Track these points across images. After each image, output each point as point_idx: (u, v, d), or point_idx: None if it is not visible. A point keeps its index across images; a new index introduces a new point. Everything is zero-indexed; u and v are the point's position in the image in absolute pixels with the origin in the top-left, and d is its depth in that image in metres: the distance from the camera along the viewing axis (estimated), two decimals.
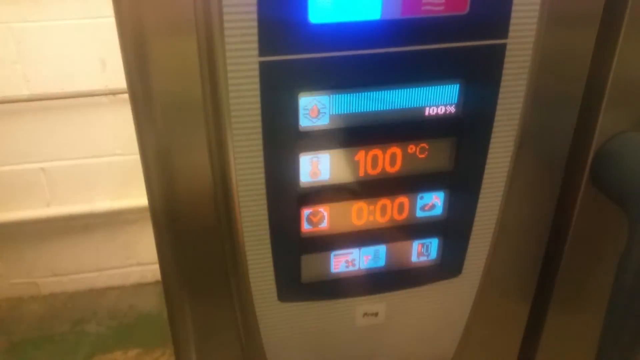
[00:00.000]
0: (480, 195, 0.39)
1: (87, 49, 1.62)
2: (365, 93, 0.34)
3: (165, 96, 0.33)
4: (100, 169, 1.85)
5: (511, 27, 0.33)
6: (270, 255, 0.38)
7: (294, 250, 0.38)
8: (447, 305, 0.44)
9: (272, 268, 0.38)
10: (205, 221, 0.38)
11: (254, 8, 0.29)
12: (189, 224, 0.38)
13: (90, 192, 1.91)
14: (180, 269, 0.40)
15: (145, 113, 0.34)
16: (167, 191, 0.36)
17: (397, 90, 0.34)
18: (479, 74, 0.35)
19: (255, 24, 0.30)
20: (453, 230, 0.40)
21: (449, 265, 0.42)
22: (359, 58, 0.32)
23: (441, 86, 0.35)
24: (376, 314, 0.43)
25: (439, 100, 0.35)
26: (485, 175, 0.38)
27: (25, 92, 1.72)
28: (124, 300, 2.09)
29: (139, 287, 2.07)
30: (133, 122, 0.34)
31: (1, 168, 1.84)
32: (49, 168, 1.88)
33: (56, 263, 2.06)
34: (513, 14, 0.32)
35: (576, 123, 0.40)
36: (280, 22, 0.30)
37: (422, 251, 0.41)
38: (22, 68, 1.69)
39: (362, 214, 0.38)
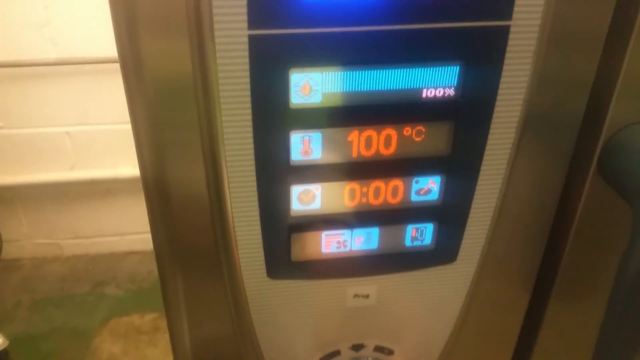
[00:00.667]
0: (478, 182, 0.38)
1: None
2: (360, 72, 0.33)
3: (156, 69, 0.32)
4: (125, 136, 1.88)
5: (515, 8, 0.31)
6: (259, 232, 0.38)
7: (283, 229, 0.38)
8: (441, 291, 0.43)
9: (261, 245, 0.38)
10: (196, 197, 0.37)
11: None
12: (180, 200, 0.38)
13: (113, 157, 1.95)
14: (171, 242, 0.40)
15: (136, 85, 0.33)
16: (158, 166, 0.36)
17: (393, 70, 0.33)
18: (480, 57, 0.33)
19: None
20: (449, 216, 0.39)
21: (443, 251, 0.41)
22: (353, 35, 0.31)
23: (440, 67, 0.33)
24: (367, 296, 0.42)
25: (437, 82, 0.34)
26: (484, 162, 0.37)
27: (52, 56, 1.74)
28: (143, 266, 2.15)
29: None
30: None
31: (27, 130, 1.89)
32: (74, 132, 1.92)
33: (79, 226, 2.12)
34: None
35: (585, 112, 0.38)
36: None
37: (417, 236, 0.40)
38: (49, 31, 1.71)
39: (354, 195, 0.38)
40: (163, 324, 1.90)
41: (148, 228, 0.39)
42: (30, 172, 1.95)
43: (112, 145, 1.93)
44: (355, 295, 0.42)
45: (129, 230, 2.16)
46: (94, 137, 1.93)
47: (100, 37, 1.64)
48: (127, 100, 0.35)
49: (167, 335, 0.47)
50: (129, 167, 1.96)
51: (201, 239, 0.39)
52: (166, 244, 0.40)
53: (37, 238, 2.13)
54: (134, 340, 1.82)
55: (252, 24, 0.30)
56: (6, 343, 1.65)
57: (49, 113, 1.87)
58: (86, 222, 2.13)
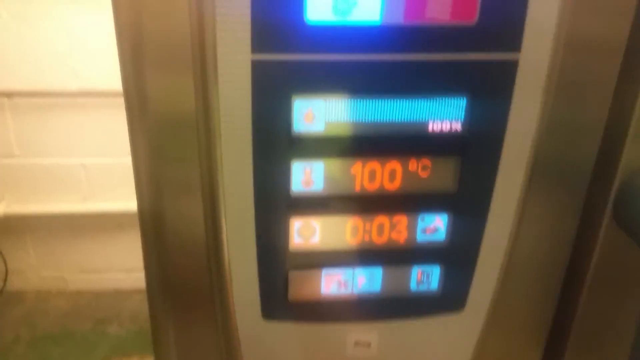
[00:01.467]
0: (487, 223, 0.36)
1: None
2: (364, 101, 0.32)
3: (158, 102, 0.32)
4: None
5: (524, 41, 0.31)
6: (255, 267, 0.36)
7: (281, 264, 0.36)
8: (448, 342, 0.41)
9: (257, 282, 0.36)
10: (192, 231, 0.36)
11: (248, 2, 0.28)
12: (176, 234, 0.36)
13: (127, 191, 1.94)
14: (164, 278, 0.38)
15: (139, 118, 0.33)
16: (155, 200, 0.35)
17: (398, 101, 0.32)
18: (488, 90, 0.32)
19: (248, 19, 0.29)
20: (456, 258, 0.37)
21: (451, 297, 0.39)
22: (358, 63, 0.30)
23: (446, 100, 0.32)
24: (369, 345, 0.40)
25: (443, 115, 0.33)
26: (493, 201, 0.35)
27: (73, 86, 1.78)
28: (147, 305, 2.10)
29: None
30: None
31: (43, 160, 1.90)
32: (89, 164, 1.93)
33: (86, 260, 2.10)
34: (526, 26, 0.30)
35: (598, 152, 0.37)
36: (275, 19, 0.29)
37: (422, 279, 0.38)
38: (72, 63, 1.75)
39: (357, 231, 0.36)
40: None
41: None
42: (42, 202, 1.95)
43: (126, 179, 1.93)
44: (357, 344, 0.40)
45: (136, 267, 2.13)
46: (109, 170, 1.95)
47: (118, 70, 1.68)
48: (129, 133, 0.34)
49: None
50: None
51: (195, 275, 0.38)
52: (159, 280, 0.38)
53: (43, 270, 2.11)
54: None
55: (255, 49, 0.29)
56: None
57: (66, 144, 1.89)
58: (94, 257, 2.11)
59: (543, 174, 0.36)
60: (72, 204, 1.98)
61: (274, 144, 0.32)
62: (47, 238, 2.08)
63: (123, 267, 2.14)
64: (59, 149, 1.93)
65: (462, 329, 0.40)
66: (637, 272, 0.39)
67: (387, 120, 0.33)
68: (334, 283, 0.37)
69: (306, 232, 0.35)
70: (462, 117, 0.33)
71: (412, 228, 0.36)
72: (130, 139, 0.35)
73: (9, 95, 1.81)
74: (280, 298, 0.37)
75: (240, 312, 0.37)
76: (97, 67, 1.77)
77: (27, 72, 1.78)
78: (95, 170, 1.97)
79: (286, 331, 0.38)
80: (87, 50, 1.75)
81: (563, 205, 0.38)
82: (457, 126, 0.33)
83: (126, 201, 1.98)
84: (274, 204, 0.34)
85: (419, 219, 0.36)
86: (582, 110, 0.35)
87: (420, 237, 0.36)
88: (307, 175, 0.33)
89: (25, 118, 1.88)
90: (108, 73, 1.75)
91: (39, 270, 2.12)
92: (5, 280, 2.08)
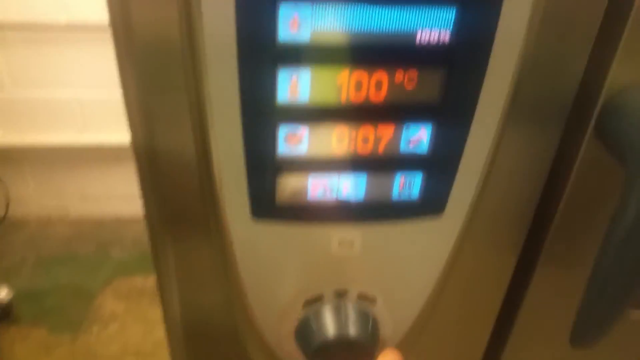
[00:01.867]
0: (470, 133, 0.37)
1: None
2: (351, 8, 0.32)
3: (144, 29, 0.32)
4: None
5: None
6: (244, 173, 0.38)
7: (269, 170, 0.38)
8: (426, 245, 0.43)
9: (246, 186, 0.38)
10: (182, 146, 0.38)
11: None
12: (167, 153, 0.38)
13: (122, 124, 1.95)
14: (159, 199, 0.40)
15: (125, 47, 0.34)
16: (146, 124, 0.37)
17: (385, 9, 0.32)
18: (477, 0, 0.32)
19: None
20: (438, 167, 0.39)
21: (431, 203, 0.41)
22: None
23: (435, 9, 0.32)
24: (352, 244, 0.42)
25: (432, 25, 0.33)
26: (477, 112, 0.36)
27: (63, 20, 1.73)
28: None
29: None
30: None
31: (38, 93, 1.90)
32: (84, 97, 1.93)
33: (86, 189, 2.15)
34: None
35: (585, 71, 0.37)
36: None
37: (404, 186, 0.40)
38: None
39: (342, 140, 0.37)
40: None
41: None
42: (39, 133, 1.97)
43: (122, 112, 1.93)
44: (340, 242, 0.42)
45: (136, 195, 2.18)
46: (104, 104, 1.94)
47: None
48: (117, 64, 0.35)
49: None
50: None
51: (188, 190, 0.40)
52: (154, 202, 0.40)
53: (44, 199, 2.17)
54: (135, 300, 1.87)
55: None
56: (11, 294, 1.72)
57: (60, 78, 1.88)
58: (94, 186, 2.16)
59: (528, 86, 0.36)
60: (69, 136, 2.00)
61: (260, 52, 0.32)
62: (46, 168, 2.11)
63: (123, 195, 2.18)
64: (54, 83, 1.91)
65: (440, 233, 0.42)
66: (612, 187, 0.41)
67: (375, 30, 0.33)
68: (320, 188, 0.39)
69: (293, 140, 0.37)
70: (451, 27, 0.33)
71: (396, 138, 0.37)
72: (118, 70, 0.35)
73: None
74: (269, 200, 0.39)
75: (231, 213, 0.40)
76: (87, 0, 1.70)
77: (17, 5, 1.72)
78: (90, 104, 1.96)
79: (275, 230, 0.41)
80: None
81: (547, 117, 0.39)
82: (446, 37, 0.33)
83: (122, 134, 1.98)
84: (261, 114, 0.35)
85: (404, 130, 0.37)
86: (572, 23, 0.35)
87: (404, 147, 0.38)
88: (293, 84, 0.34)
89: (17, 51, 1.84)
90: (98, 6, 1.68)
91: (40, 198, 2.17)
92: (7, 207, 2.13)
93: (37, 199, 2.16)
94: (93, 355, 1.66)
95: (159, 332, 1.73)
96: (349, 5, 0.32)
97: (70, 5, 1.72)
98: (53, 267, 1.97)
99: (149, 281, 1.93)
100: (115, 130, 1.97)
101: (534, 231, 0.46)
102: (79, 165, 2.09)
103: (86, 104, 1.94)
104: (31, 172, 2.10)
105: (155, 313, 1.80)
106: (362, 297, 0.46)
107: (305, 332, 0.46)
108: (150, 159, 0.38)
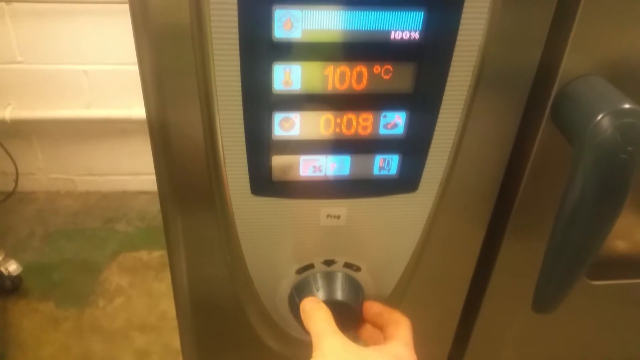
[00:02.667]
0: (439, 119, 0.43)
1: None
2: (335, 12, 0.37)
3: (160, 11, 0.38)
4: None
5: None
6: (245, 154, 0.43)
7: (266, 151, 0.44)
8: (404, 218, 0.49)
9: (246, 165, 0.44)
10: (192, 133, 0.43)
11: None
12: (178, 133, 0.44)
13: (129, 98, 1.99)
14: (171, 175, 0.46)
15: (143, 27, 0.39)
16: (161, 106, 0.42)
17: (365, 13, 0.38)
18: (441, 4, 0.38)
19: None
20: (412, 148, 0.45)
21: (407, 180, 0.47)
22: None
23: (406, 13, 0.38)
24: (338, 217, 0.48)
25: (403, 25, 0.38)
26: (444, 101, 0.42)
27: None
28: (153, 205, 2.23)
29: None
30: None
31: (45, 66, 1.93)
32: (91, 71, 1.96)
33: (93, 163, 2.20)
34: None
35: (540, 63, 0.43)
36: None
37: (383, 165, 0.46)
38: None
39: (329, 125, 0.43)
40: None
41: None
42: (46, 107, 2.00)
43: (129, 86, 1.97)
44: (328, 216, 0.48)
45: (141, 170, 2.22)
46: (110, 77, 1.97)
47: None
48: (135, 43, 0.40)
49: None
50: (143, 108, 2.02)
51: (196, 169, 0.45)
52: (168, 183, 0.46)
53: (52, 172, 2.21)
54: (141, 274, 1.92)
55: None
56: (20, 269, 1.77)
57: (67, 50, 1.91)
58: (100, 160, 2.20)
59: (489, 78, 0.42)
60: (76, 110, 2.03)
61: (258, 48, 0.38)
62: (54, 142, 2.14)
63: (129, 170, 2.23)
64: (61, 55, 1.94)
65: (415, 207, 0.48)
66: (569, 165, 0.47)
67: (356, 29, 0.38)
68: (310, 167, 0.45)
69: (286, 125, 0.42)
70: (420, 27, 0.38)
71: (375, 123, 0.43)
72: (136, 49, 0.40)
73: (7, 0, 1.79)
74: (266, 178, 0.45)
75: (233, 189, 0.45)
76: None
77: None
78: (97, 77, 1.99)
79: (271, 204, 0.47)
80: None
81: (507, 104, 0.45)
82: (415, 35, 0.39)
83: (128, 108, 2.01)
84: (259, 102, 0.41)
85: (382, 116, 0.43)
86: (526, 22, 0.40)
87: (383, 131, 0.44)
88: (286, 76, 0.40)
89: (26, 24, 1.87)
90: None
91: (48, 172, 2.21)
92: (16, 181, 2.18)
93: (46, 173, 2.21)
94: (99, 328, 1.71)
95: (164, 306, 1.79)
96: (334, 9, 0.37)
97: None
98: (60, 241, 2.02)
99: (154, 256, 1.98)
100: (120, 105, 2.00)
101: (501, 205, 0.52)
102: (86, 139, 2.13)
103: (92, 77, 1.97)
104: (40, 146, 2.14)
105: (160, 287, 1.86)
106: (348, 266, 0.52)
107: (297, 297, 0.52)
108: (163, 138, 0.44)
